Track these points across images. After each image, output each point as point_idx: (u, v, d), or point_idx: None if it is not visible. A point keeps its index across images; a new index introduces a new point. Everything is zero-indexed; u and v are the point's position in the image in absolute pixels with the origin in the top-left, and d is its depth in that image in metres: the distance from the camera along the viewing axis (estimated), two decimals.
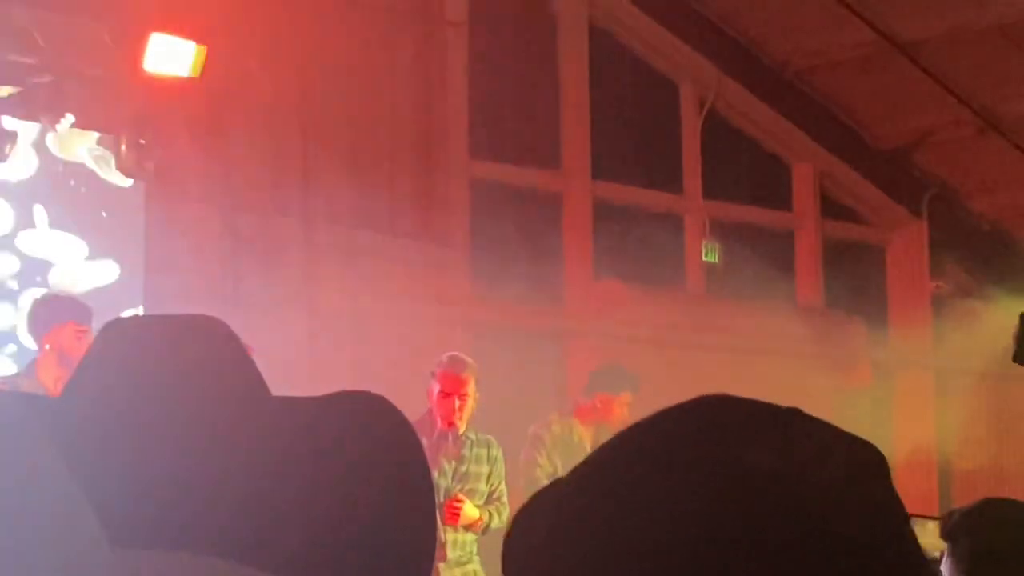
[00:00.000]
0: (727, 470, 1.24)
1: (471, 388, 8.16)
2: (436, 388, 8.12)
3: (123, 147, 9.75)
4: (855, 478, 1.27)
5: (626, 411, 9.67)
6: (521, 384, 9.86)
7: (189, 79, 9.58)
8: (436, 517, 1.65)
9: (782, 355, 12.65)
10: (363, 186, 11.45)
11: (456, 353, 8.40)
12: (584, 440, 9.63)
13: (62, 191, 10.04)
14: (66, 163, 10.07)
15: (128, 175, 9.88)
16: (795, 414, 1.32)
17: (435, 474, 7.94)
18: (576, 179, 12.95)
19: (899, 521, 1.27)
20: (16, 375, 7.77)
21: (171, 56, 9.46)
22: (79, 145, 10.13)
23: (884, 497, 1.28)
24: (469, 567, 8.22)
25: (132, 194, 10.25)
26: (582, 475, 1.31)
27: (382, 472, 1.59)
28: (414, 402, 10.49)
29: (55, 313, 7.81)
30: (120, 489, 1.48)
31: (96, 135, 10.11)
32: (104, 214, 10.17)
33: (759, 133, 14.02)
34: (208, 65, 9.60)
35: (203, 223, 10.49)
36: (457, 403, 8.10)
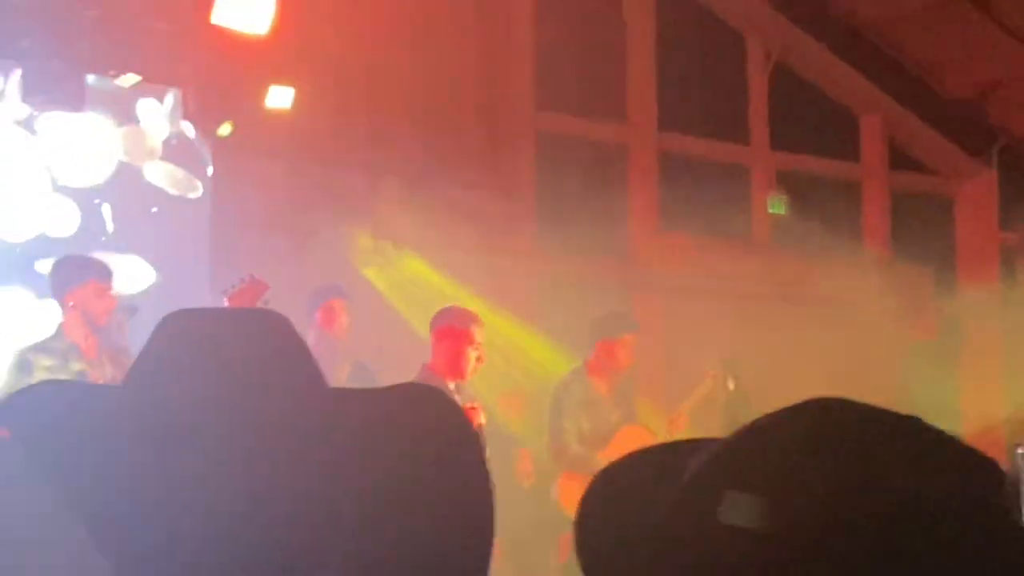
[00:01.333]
0: (850, 484, 1.23)
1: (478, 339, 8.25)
2: (450, 342, 8.19)
3: (190, 102, 9.83)
4: (978, 497, 1.26)
5: (631, 353, 9.63)
6: (585, 336, 9.83)
7: (256, 32, 9.61)
8: (493, 508, 1.63)
9: (848, 306, 12.57)
10: (429, 138, 11.47)
11: (455, 306, 8.49)
12: (602, 394, 9.60)
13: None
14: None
15: (195, 130, 9.95)
16: (916, 424, 1.31)
17: None
18: (642, 130, 12.92)
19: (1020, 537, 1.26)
20: (47, 339, 7.81)
21: (239, 9, 9.49)
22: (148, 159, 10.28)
23: (1002, 512, 1.28)
24: None
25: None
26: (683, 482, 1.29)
27: (440, 468, 1.58)
28: (487, 354, 10.56)
29: (75, 273, 7.82)
30: (180, 483, 1.50)
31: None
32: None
33: (827, 84, 13.92)
34: (276, 17, 9.62)
35: (270, 177, 10.54)
36: (474, 355, 8.17)
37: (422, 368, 8.27)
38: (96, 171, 9.95)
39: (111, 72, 9.90)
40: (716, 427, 10.88)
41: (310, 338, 9.04)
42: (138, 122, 10.30)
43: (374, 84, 11.30)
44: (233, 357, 1.63)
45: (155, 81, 10.13)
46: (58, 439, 1.56)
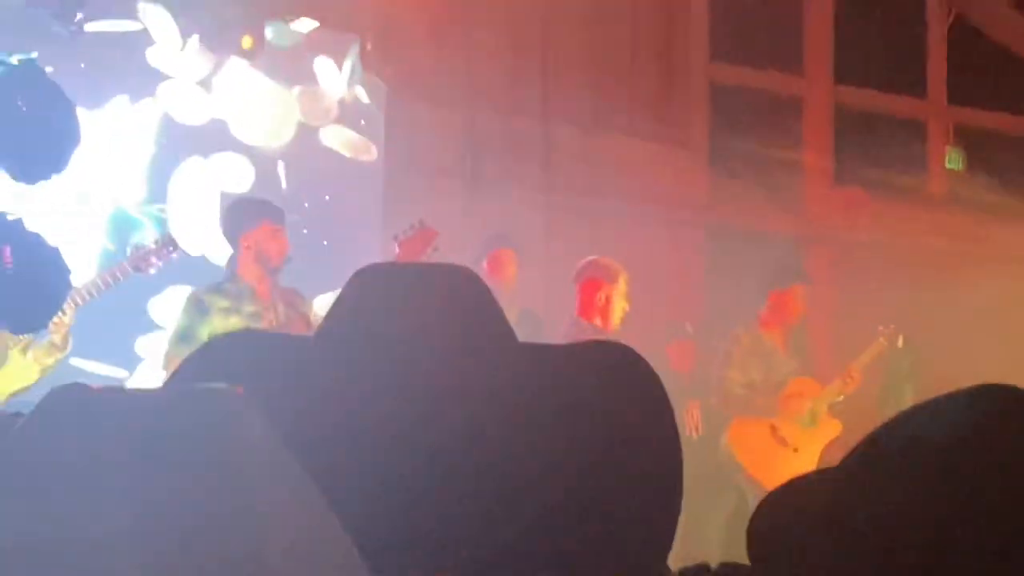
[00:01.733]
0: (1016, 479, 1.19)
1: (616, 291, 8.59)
2: (595, 293, 8.49)
3: (367, 47, 9.89)
4: None
5: (802, 304, 9.59)
6: (758, 290, 9.77)
7: None
8: (682, 482, 1.62)
9: None
10: (602, 87, 11.44)
11: (595, 259, 8.74)
12: (777, 346, 9.58)
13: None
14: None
15: (371, 77, 10.01)
16: None
17: None
18: (818, 83, 12.76)
19: None
20: (221, 280, 7.90)
21: None
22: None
23: None
24: None
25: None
26: (851, 466, 1.27)
27: (632, 430, 1.57)
28: (658, 304, 10.56)
29: (248, 215, 7.90)
30: (375, 432, 1.50)
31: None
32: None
33: (1007, 38, 13.61)
34: None
35: (443, 124, 10.58)
36: (620, 305, 8.64)
37: (572, 318, 8.43)
38: (277, 133, 10.07)
39: (288, 17, 10.00)
40: (884, 384, 10.77)
41: None
42: (315, 82, 10.40)
43: (548, 31, 11.28)
44: (426, 316, 1.63)
45: (332, 27, 10.21)
46: (256, 390, 1.57)
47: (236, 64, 9.84)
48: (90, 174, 9.60)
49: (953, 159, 12.77)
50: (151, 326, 9.55)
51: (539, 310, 9.52)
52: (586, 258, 8.84)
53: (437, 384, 1.56)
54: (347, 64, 10.24)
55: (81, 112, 9.58)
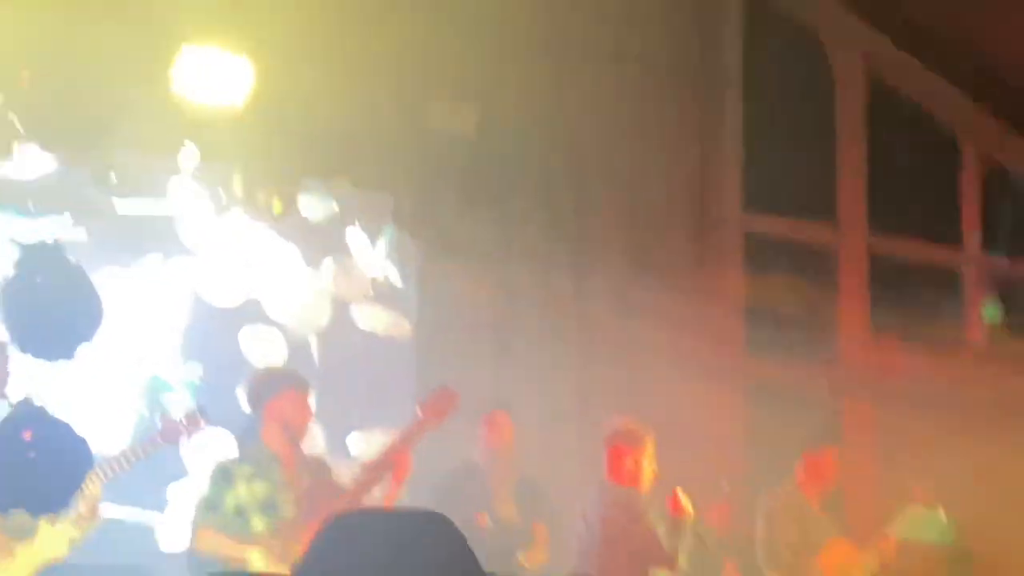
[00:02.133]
0: None
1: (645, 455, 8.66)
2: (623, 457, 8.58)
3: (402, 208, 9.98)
4: None
5: (834, 466, 9.58)
6: (795, 448, 9.72)
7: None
8: None
9: None
10: (635, 239, 11.45)
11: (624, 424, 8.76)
12: (812, 507, 9.56)
13: None
14: None
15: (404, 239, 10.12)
16: None
17: None
18: (852, 233, 12.75)
19: None
20: (248, 449, 7.94)
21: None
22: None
23: None
24: None
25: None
26: None
27: None
28: (696, 462, 10.50)
29: (272, 385, 7.96)
30: None
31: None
32: None
33: None
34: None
35: (476, 284, 10.59)
36: (649, 468, 8.69)
37: (601, 482, 8.51)
38: (311, 321, 10.16)
39: (322, 177, 10.07)
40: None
41: (478, 449, 9.16)
42: (348, 253, 10.50)
43: (583, 184, 11.32)
44: (398, 565, 1.65)
45: (368, 187, 10.28)
46: None
47: (266, 233, 9.93)
48: (126, 338, 9.67)
49: (991, 311, 12.69)
50: (182, 471, 9.65)
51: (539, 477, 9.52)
52: (613, 423, 8.87)
53: None
54: (382, 239, 10.32)
55: (114, 270, 9.72)
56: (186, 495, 9.24)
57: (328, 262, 10.41)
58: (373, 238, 10.59)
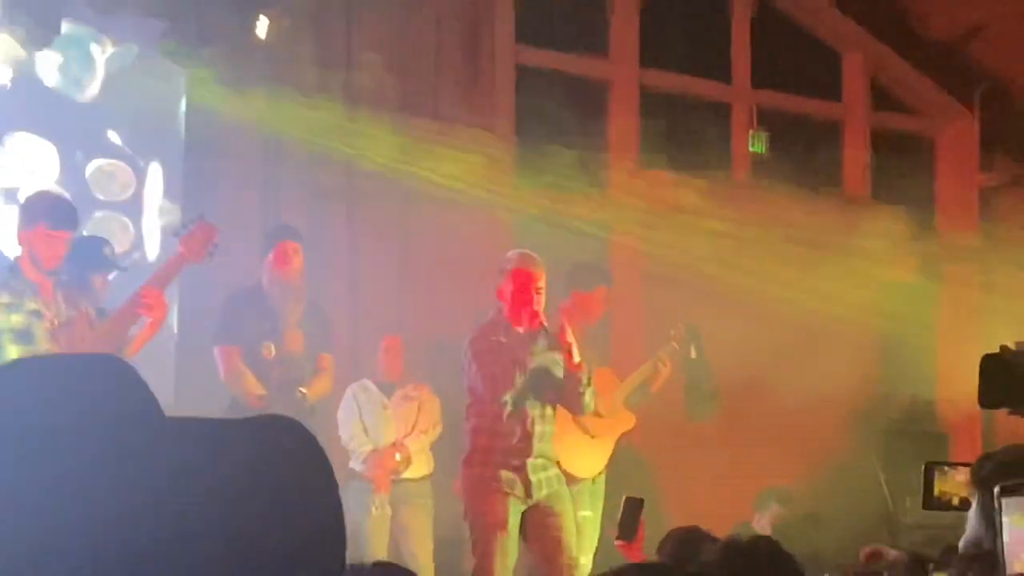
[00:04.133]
0: None
1: (543, 283, 8.13)
2: (511, 287, 8.09)
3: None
4: None
5: (603, 305, 9.72)
6: (563, 274, 9.83)
7: None
8: (345, 537, 1.66)
9: (827, 246, 12.56)
10: (408, 69, 11.40)
11: (525, 250, 8.34)
12: (576, 338, 9.68)
13: None
14: None
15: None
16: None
17: (520, 376, 7.95)
18: (624, 66, 12.84)
19: None
20: (7, 274, 7.75)
21: None
22: None
23: None
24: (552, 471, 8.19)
25: None
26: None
27: (293, 494, 1.58)
28: (455, 287, 10.55)
29: (27, 215, 7.75)
30: (29, 531, 1.47)
31: None
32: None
33: (810, 22, 13.84)
34: None
35: (245, 109, 10.43)
36: (536, 298, 8.06)
37: (494, 315, 8.20)
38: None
39: None
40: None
41: (264, 279, 9.03)
42: None
43: (353, 12, 11.21)
44: (77, 406, 1.61)
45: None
46: None
47: None
48: None
49: (757, 143, 12.94)
50: None
51: (328, 303, 9.48)
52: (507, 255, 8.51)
53: (89, 475, 1.54)
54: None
55: None
56: None
57: None
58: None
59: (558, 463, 8.31)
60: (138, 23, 9.91)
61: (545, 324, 8.09)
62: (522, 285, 8.04)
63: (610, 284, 9.79)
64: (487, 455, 8.00)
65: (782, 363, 11.06)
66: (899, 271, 13.38)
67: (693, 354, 9.97)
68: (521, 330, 8.04)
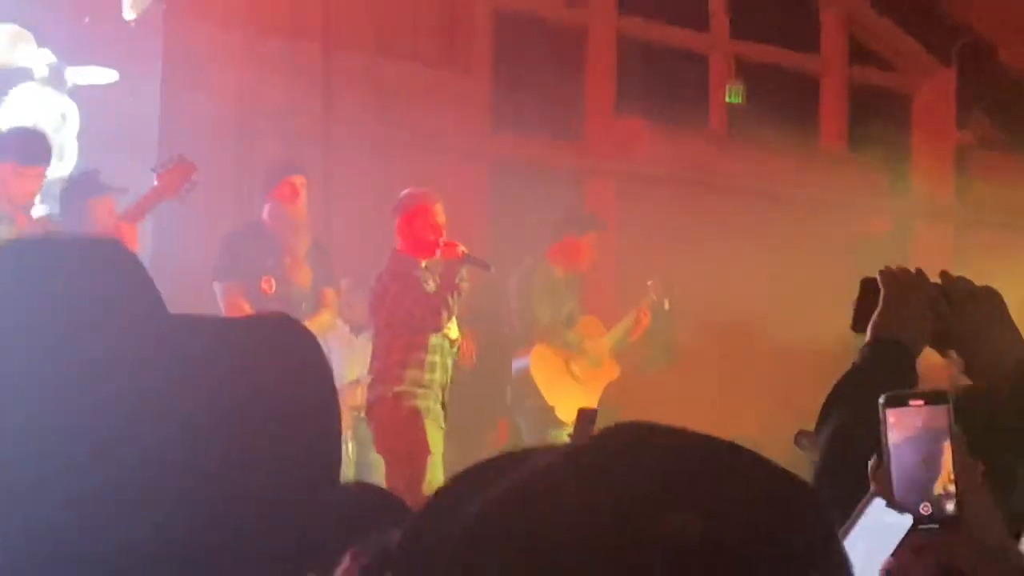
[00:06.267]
0: (645, 540, 1.13)
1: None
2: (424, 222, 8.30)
3: None
4: (776, 541, 1.16)
5: (593, 252, 9.78)
6: (538, 221, 9.81)
7: None
8: (342, 441, 1.63)
9: (801, 200, 12.56)
10: (385, 12, 11.32)
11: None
12: (561, 282, 9.74)
13: None
14: None
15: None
16: (727, 453, 1.20)
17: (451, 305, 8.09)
18: (601, 12, 12.77)
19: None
20: None
21: None
22: None
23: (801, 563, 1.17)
24: None
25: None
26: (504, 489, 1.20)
27: (292, 396, 1.55)
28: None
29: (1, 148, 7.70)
30: (18, 418, 1.43)
31: None
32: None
33: None
34: None
35: (224, 46, 10.35)
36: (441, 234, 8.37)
37: (393, 253, 8.34)
38: None
39: None
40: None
41: (265, 212, 9.00)
42: None
43: None
44: (63, 290, 1.55)
45: None
46: None
47: None
48: None
49: (734, 94, 12.87)
50: None
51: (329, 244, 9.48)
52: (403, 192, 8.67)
53: (82, 361, 1.48)
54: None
55: None
56: None
57: None
58: None
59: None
60: None
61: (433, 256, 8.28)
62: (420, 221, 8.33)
63: (603, 228, 9.89)
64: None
65: (754, 313, 11.06)
66: (873, 224, 13.39)
67: (667, 306, 10.03)
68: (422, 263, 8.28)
